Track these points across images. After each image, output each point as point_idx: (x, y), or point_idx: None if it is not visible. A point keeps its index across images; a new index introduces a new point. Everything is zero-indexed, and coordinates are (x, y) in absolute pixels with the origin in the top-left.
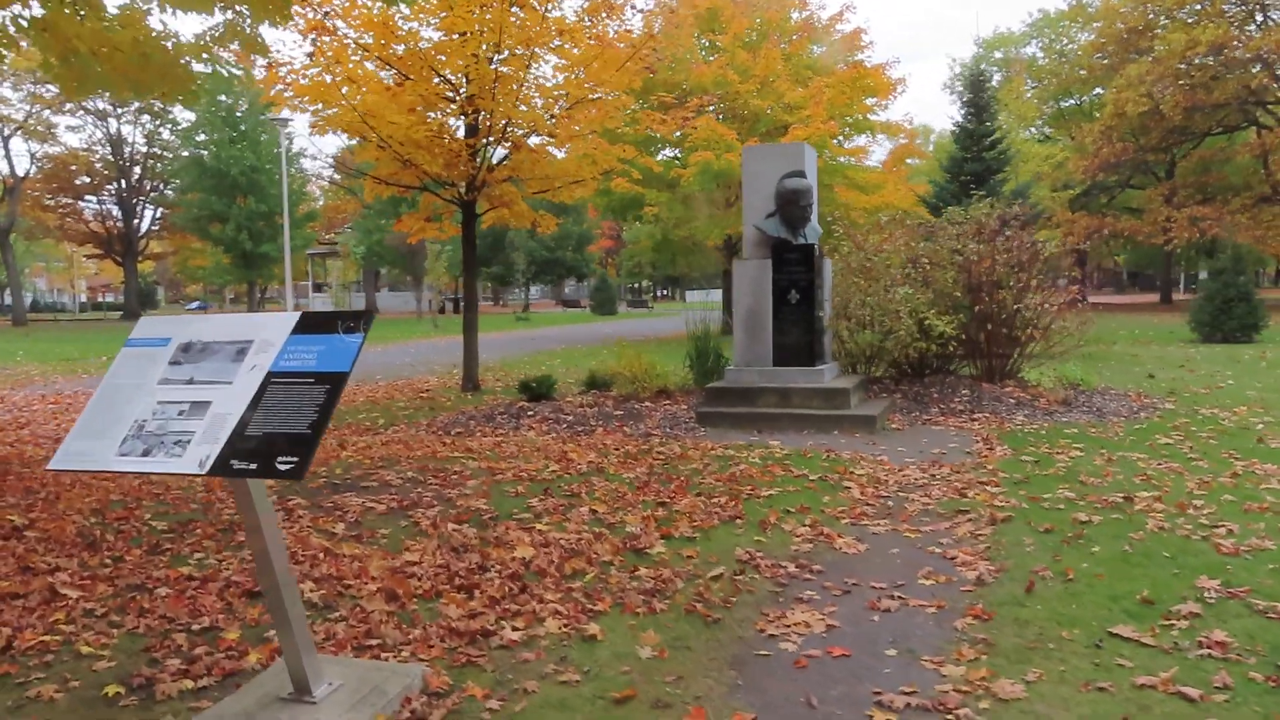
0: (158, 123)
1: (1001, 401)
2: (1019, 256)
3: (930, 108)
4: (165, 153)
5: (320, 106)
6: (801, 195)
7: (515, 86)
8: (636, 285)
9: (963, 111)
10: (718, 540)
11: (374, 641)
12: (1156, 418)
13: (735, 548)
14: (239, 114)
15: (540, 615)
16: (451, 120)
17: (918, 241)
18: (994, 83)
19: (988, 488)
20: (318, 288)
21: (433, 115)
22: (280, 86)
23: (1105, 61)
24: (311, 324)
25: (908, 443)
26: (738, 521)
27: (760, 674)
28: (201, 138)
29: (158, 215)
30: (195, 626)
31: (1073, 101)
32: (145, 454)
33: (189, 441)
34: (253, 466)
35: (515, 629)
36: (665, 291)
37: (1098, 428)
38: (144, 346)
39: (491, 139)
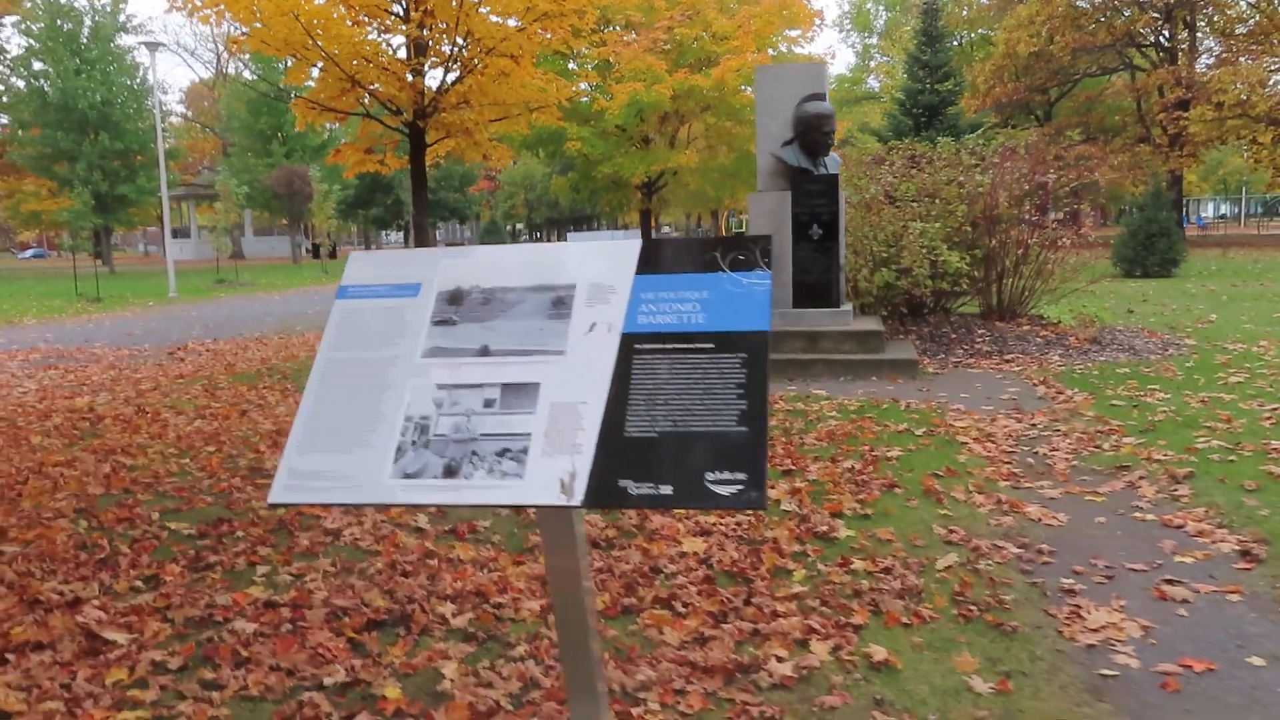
0: None
1: (1028, 341)
2: (1024, 188)
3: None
4: None
5: (242, 20)
6: (825, 120)
7: None
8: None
9: (916, 41)
10: (898, 517)
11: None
12: (1194, 355)
13: (927, 525)
14: (83, 41)
15: (786, 633)
16: (396, 38)
17: (913, 173)
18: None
19: (1113, 437)
20: (176, 233)
21: (374, 34)
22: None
23: (989, 2)
24: (669, 257)
25: (960, 387)
26: (896, 491)
27: (1139, 706)
28: (39, 67)
29: None
30: (329, 680)
31: (955, 42)
32: (449, 474)
33: (525, 451)
34: (666, 491)
35: (778, 658)
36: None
37: (1149, 366)
38: (375, 298)
39: (452, 56)
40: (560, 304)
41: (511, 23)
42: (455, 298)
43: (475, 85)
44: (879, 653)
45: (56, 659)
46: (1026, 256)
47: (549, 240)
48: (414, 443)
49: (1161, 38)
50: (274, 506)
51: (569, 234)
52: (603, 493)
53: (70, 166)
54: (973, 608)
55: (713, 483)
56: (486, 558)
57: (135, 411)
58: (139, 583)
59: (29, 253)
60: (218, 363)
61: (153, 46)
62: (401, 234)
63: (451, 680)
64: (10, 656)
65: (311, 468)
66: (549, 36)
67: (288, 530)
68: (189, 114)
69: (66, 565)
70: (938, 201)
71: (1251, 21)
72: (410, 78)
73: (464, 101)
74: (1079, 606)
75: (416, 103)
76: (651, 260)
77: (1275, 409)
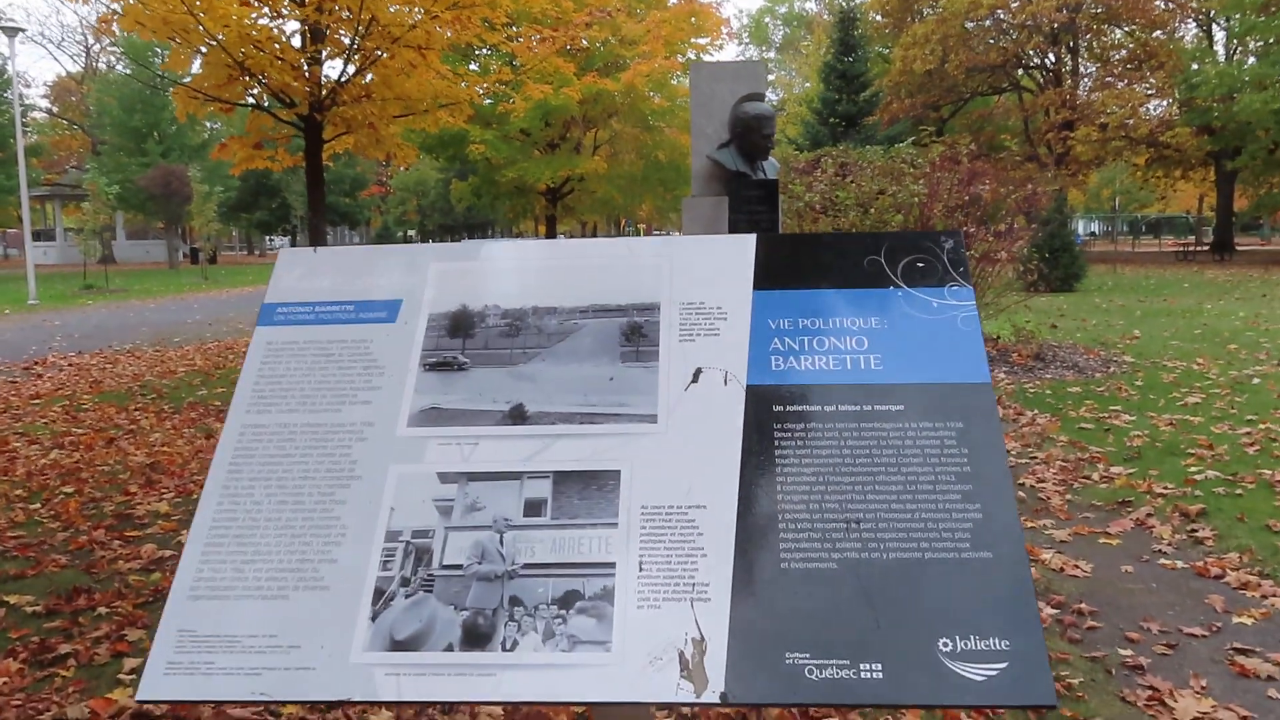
0: None
1: None
2: (960, 199)
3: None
4: None
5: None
6: (765, 122)
7: None
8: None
9: (833, 51)
10: None
11: None
12: (1139, 373)
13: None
14: None
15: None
16: (290, 23)
17: (847, 182)
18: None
19: (1099, 466)
20: (39, 235)
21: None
22: None
23: (883, 20)
24: (804, 262)
25: None
26: None
27: None
28: None
29: None
30: None
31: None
32: (473, 643)
33: (607, 597)
34: (871, 675)
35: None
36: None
37: (1099, 385)
38: (325, 324)
39: (353, 45)
40: (637, 335)
41: (418, 13)
42: (460, 324)
43: (379, 78)
44: None
45: None
46: None
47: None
48: (405, 583)
49: (1047, 61)
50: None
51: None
52: (758, 678)
53: None
54: None
55: (950, 658)
56: None
57: None
58: None
59: None
60: (82, 379)
61: (12, 32)
62: (288, 239)
63: None
64: None
65: (215, 629)
66: (459, 29)
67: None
68: (54, 109)
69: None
70: (871, 211)
71: (1124, 50)
72: (306, 67)
73: (366, 95)
74: (1156, 690)
75: (313, 95)
76: (775, 267)
77: (1249, 432)
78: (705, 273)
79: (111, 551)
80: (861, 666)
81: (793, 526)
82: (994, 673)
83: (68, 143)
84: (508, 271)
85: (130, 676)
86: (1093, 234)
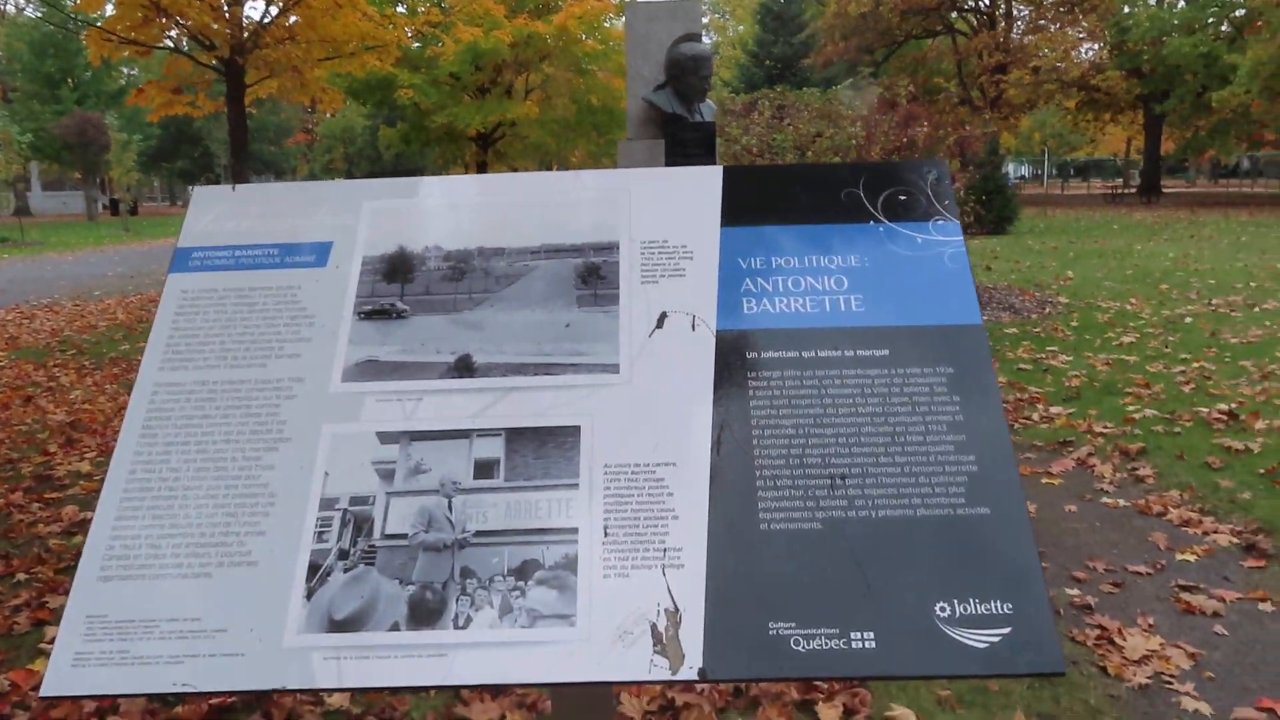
0: None
1: None
2: (898, 142)
3: None
4: None
5: None
6: (701, 63)
7: None
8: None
9: None
10: None
11: None
12: (1074, 314)
13: None
14: None
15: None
16: None
17: (784, 125)
18: None
19: (1039, 406)
20: None
21: None
22: None
23: None
24: (774, 196)
25: None
26: None
27: None
28: None
29: None
30: None
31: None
32: (421, 620)
33: (569, 567)
34: (864, 645)
35: None
36: None
37: (1035, 326)
38: (246, 269)
39: None
40: (594, 277)
41: None
42: (398, 267)
43: (303, 19)
44: (907, 718)
45: None
46: None
47: None
48: (343, 556)
49: (981, 3)
50: (50, 701)
51: None
52: (739, 651)
53: None
54: None
55: (948, 624)
56: None
57: None
58: None
59: None
60: None
61: None
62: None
63: None
64: None
65: (130, 613)
66: None
67: None
68: None
69: None
70: (809, 155)
71: None
72: (226, 7)
73: (289, 37)
74: (1104, 629)
75: (234, 37)
76: (744, 202)
77: (1183, 371)
78: (668, 208)
79: (30, 515)
80: (852, 635)
81: (772, 484)
82: (996, 639)
83: None
84: (450, 209)
85: (52, 646)
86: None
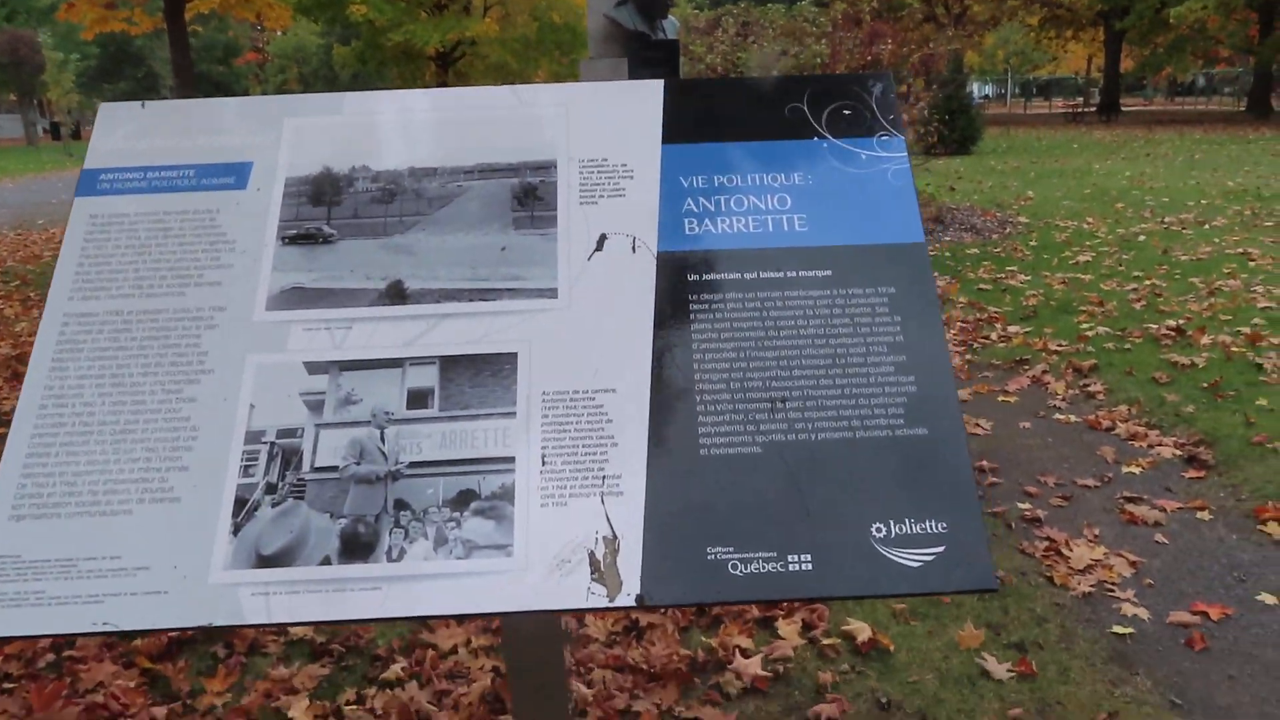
0: None
1: None
2: (863, 60)
3: None
4: None
5: None
6: None
7: None
8: None
9: None
10: None
11: None
12: (1033, 234)
13: None
14: None
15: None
16: None
17: (749, 43)
18: None
19: (997, 326)
20: None
21: None
22: None
23: None
24: (717, 111)
25: None
26: None
27: (1176, 675)
28: None
29: None
30: None
31: None
32: (353, 553)
33: (506, 496)
34: (800, 566)
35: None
36: None
37: (996, 246)
38: (160, 192)
39: None
40: (531, 198)
41: None
42: (324, 189)
43: None
44: (861, 632)
45: None
46: None
47: None
48: (271, 490)
49: None
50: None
51: None
52: (677, 577)
53: None
54: None
55: (884, 544)
56: None
57: None
58: None
59: None
60: None
61: None
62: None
63: None
64: None
65: (45, 552)
66: None
67: None
68: None
69: None
70: (774, 73)
71: None
72: None
73: None
74: (1052, 541)
75: None
76: (687, 118)
77: (1135, 288)
78: (608, 125)
79: None
80: (789, 558)
81: (712, 409)
82: (930, 558)
83: None
84: (378, 127)
85: None
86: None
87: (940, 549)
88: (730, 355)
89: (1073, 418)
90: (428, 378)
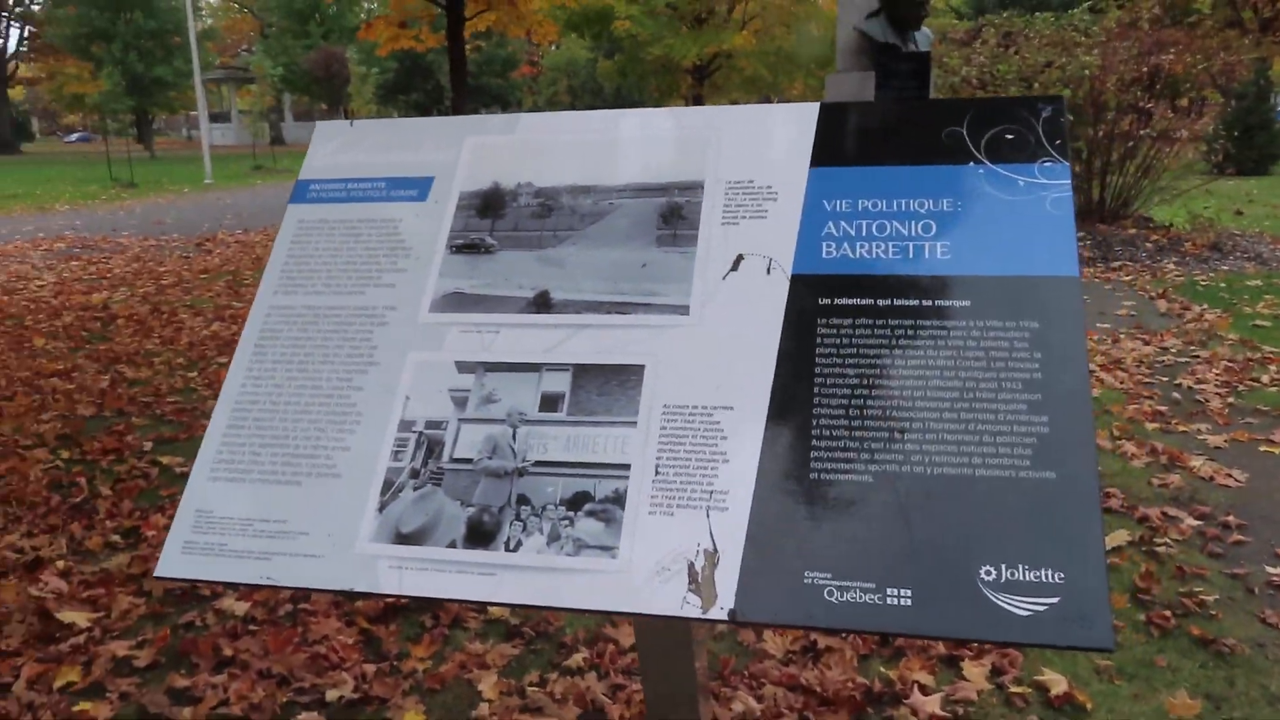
0: None
1: (1136, 246)
2: (1137, 72)
3: None
4: None
5: None
6: None
7: None
8: None
9: None
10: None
11: None
12: None
13: None
14: None
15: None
16: None
17: (1010, 54)
18: None
19: (1271, 368)
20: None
21: None
22: None
23: None
24: (871, 134)
25: None
26: None
27: None
28: None
29: (24, 34)
30: (332, 693)
31: None
32: (477, 540)
33: (618, 500)
34: (899, 601)
35: (921, 687)
36: None
37: None
38: (354, 202)
39: None
40: (675, 218)
41: None
42: (491, 203)
43: None
44: (1056, 684)
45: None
46: (1135, 150)
47: None
48: (414, 474)
49: None
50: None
51: None
52: (771, 596)
53: (105, 47)
54: (1166, 614)
55: (992, 588)
56: None
57: (150, 311)
58: (116, 537)
59: (74, 136)
60: (245, 256)
61: None
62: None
63: (489, 701)
64: None
65: (230, 511)
66: None
67: None
68: None
69: (35, 511)
70: (1035, 86)
71: None
72: None
73: None
74: None
75: None
76: (838, 140)
77: None
78: (759, 147)
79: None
80: (889, 591)
81: (827, 433)
82: (1041, 608)
83: (239, 25)
84: (546, 146)
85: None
86: None
87: (1054, 600)
88: (853, 381)
89: None
90: (561, 383)
